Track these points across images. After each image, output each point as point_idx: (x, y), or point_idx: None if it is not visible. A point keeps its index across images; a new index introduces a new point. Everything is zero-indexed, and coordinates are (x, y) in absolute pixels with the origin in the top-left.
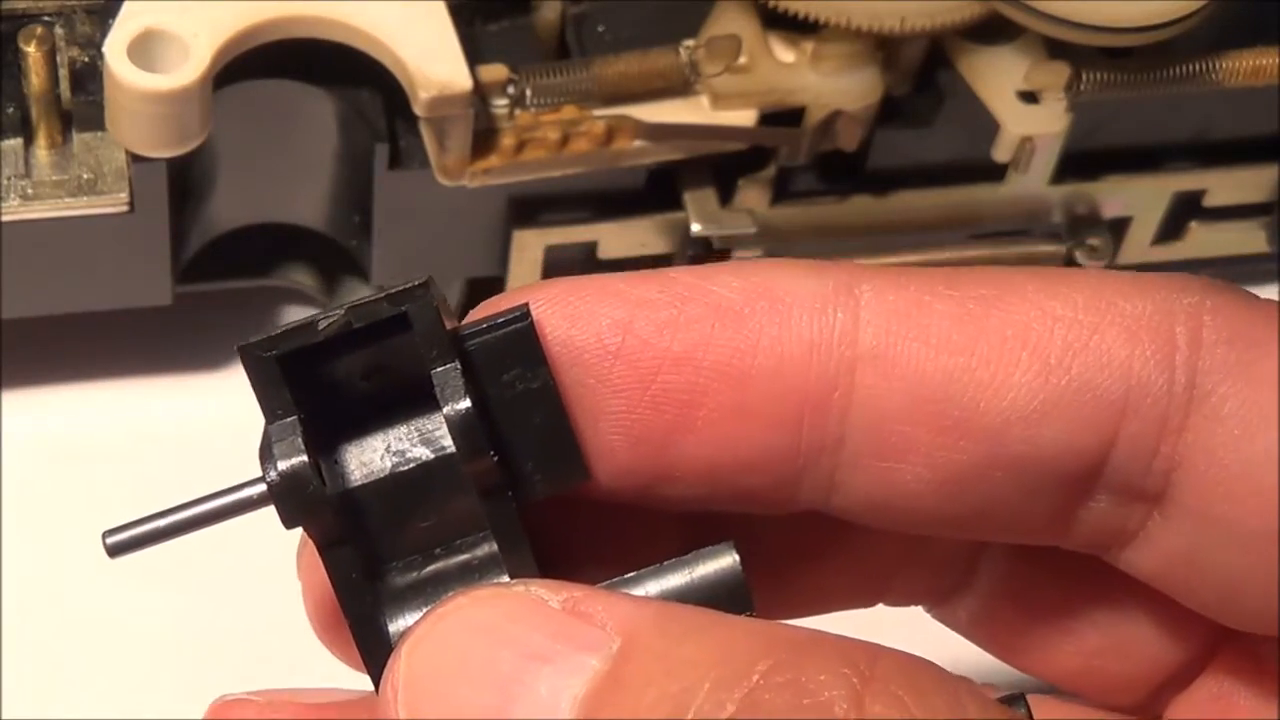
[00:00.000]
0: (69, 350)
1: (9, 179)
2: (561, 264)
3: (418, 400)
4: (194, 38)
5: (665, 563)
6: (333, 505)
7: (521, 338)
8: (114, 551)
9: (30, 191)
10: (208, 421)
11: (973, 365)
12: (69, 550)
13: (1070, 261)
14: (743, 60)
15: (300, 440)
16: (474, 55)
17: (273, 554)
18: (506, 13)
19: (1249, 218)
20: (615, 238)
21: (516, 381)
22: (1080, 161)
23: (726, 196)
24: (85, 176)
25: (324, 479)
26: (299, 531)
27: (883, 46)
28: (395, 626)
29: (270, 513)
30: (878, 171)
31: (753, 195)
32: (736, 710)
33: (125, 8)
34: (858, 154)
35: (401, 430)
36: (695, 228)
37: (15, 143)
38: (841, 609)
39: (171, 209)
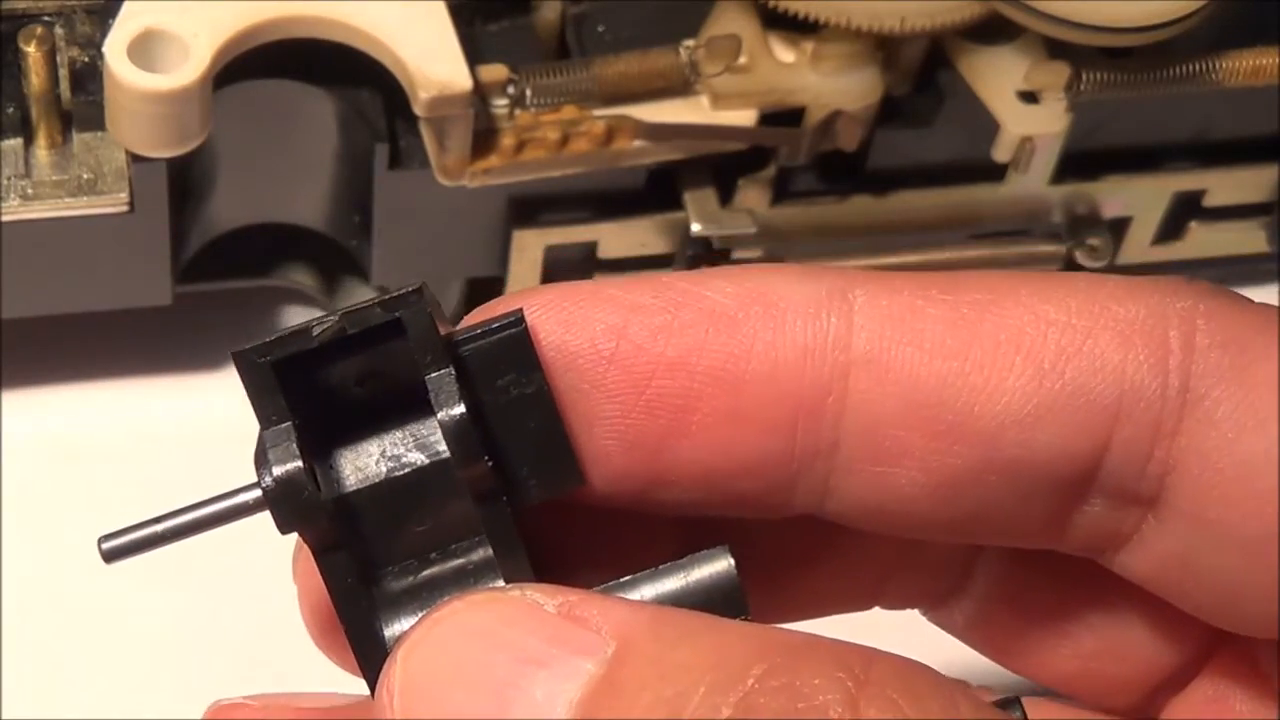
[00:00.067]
0: (69, 350)
1: (9, 179)
2: (561, 264)
3: (413, 405)
4: (194, 38)
5: (660, 567)
6: (328, 510)
7: (516, 343)
8: (109, 557)
9: (30, 191)
10: (208, 421)
11: (966, 370)
12: (69, 550)
13: (1070, 261)
14: (743, 60)
15: (295, 446)
16: (474, 55)
17: (272, 556)
18: (506, 13)
19: (1249, 218)
20: (615, 238)
21: (511, 387)
22: (1080, 161)
23: (726, 196)
24: (85, 176)
25: (319, 484)
26: (295, 536)
27: (883, 46)
28: (391, 631)
29: (268, 516)
30: (878, 171)
31: (753, 195)
32: (731, 714)
33: (125, 8)
34: (858, 154)
35: (396, 435)
36: (695, 228)
37: (15, 143)
38: (837, 613)
39: (171, 209)
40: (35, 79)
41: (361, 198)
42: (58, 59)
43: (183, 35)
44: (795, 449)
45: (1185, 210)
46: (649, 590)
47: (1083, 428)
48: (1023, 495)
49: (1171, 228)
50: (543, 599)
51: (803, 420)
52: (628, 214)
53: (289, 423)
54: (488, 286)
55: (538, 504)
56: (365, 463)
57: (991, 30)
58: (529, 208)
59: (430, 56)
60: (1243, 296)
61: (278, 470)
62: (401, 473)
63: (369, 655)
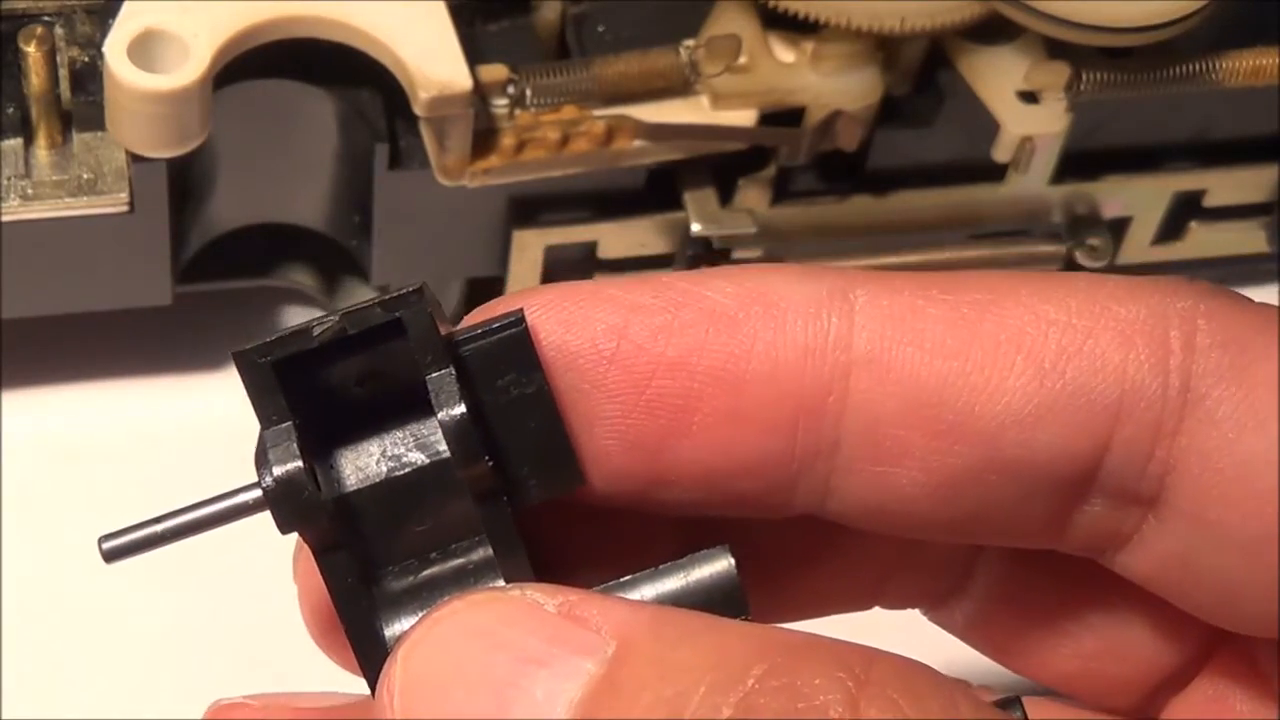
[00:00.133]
0: (69, 350)
1: (9, 179)
2: (561, 264)
3: (413, 405)
4: (194, 38)
5: (660, 567)
6: (328, 510)
7: (516, 343)
8: (109, 557)
9: (30, 191)
10: (208, 421)
11: (967, 370)
12: (69, 550)
13: (1070, 261)
14: (743, 60)
15: (295, 446)
16: (474, 55)
17: (273, 556)
18: (506, 13)
19: (1249, 218)
20: (615, 238)
21: (511, 387)
22: (1080, 161)
23: (726, 196)
24: (85, 176)
25: (319, 484)
26: (296, 535)
27: (883, 46)
28: (391, 631)
29: (268, 516)
30: (878, 171)
31: (753, 195)
32: (732, 714)
33: (125, 8)
34: (858, 154)
35: (397, 435)
36: (695, 228)
37: (15, 143)
38: (837, 612)
39: (171, 209)
40: (35, 79)
41: (361, 198)
42: (58, 59)
43: (183, 35)
44: (796, 449)
45: (1185, 210)
46: (649, 590)
47: (1083, 427)
48: (1023, 495)
49: (1171, 228)
50: (543, 599)
51: (803, 420)
52: (628, 214)
53: (289, 423)
54: (488, 286)
55: (538, 504)
56: (365, 462)
57: (991, 30)
58: (529, 208)
59: (430, 56)
60: (1243, 296)
61: (278, 470)
62: (402, 472)
63: (369, 655)
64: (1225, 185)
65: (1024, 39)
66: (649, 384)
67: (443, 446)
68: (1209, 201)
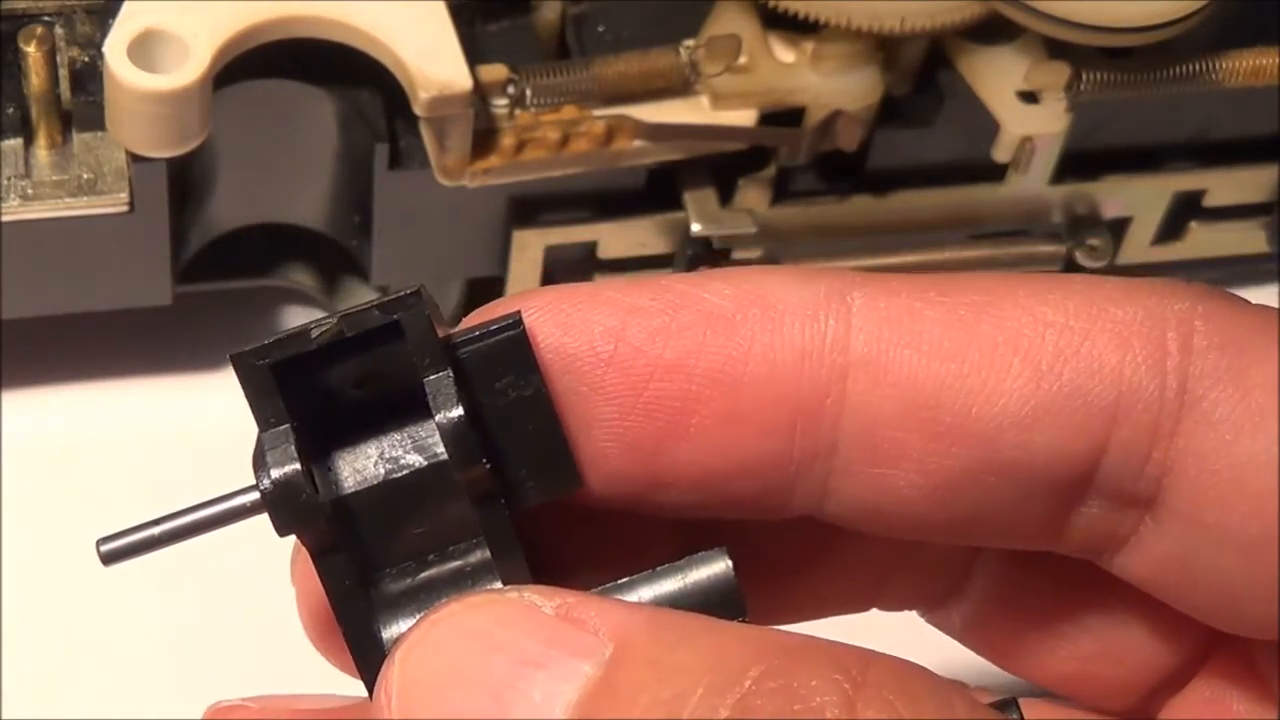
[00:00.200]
0: (69, 350)
1: (9, 179)
2: (561, 264)
3: (411, 408)
4: (194, 38)
5: (658, 568)
6: (325, 513)
7: (514, 345)
8: (108, 559)
9: (30, 191)
10: (208, 421)
11: (964, 371)
12: (69, 550)
13: (1070, 262)
14: (743, 60)
15: (293, 448)
16: (474, 55)
17: (272, 557)
18: (506, 13)
19: (1249, 218)
20: (615, 238)
21: (509, 389)
22: (1080, 161)
23: (726, 196)
24: (85, 176)
25: (317, 487)
26: (294, 537)
27: (883, 46)
28: (389, 633)
29: (267, 518)
30: (878, 171)
31: (753, 195)
32: (729, 716)
33: (125, 8)
34: (858, 154)
35: (395, 437)
36: (695, 228)
37: (15, 143)
38: (835, 614)
39: (171, 209)
40: (35, 79)
41: (361, 198)
42: (58, 59)
43: (183, 35)
44: (793, 451)
45: (1185, 210)
46: (647, 592)
47: (1080, 429)
48: (1020, 497)
49: (1171, 228)
50: (540, 601)
51: (801, 422)
52: (628, 214)
53: (287, 425)
54: (488, 286)
55: (535, 506)
56: (363, 465)
57: (991, 30)
58: (529, 208)
59: (430, 56)
60: (1240, 298)
61: (276, 473)
62: (399, 475)
63: (367, 657)
64: (1225, 185)
65: (1024, 39)
66: (646, 386)
67: (440, 449)
68: (1209, 201)
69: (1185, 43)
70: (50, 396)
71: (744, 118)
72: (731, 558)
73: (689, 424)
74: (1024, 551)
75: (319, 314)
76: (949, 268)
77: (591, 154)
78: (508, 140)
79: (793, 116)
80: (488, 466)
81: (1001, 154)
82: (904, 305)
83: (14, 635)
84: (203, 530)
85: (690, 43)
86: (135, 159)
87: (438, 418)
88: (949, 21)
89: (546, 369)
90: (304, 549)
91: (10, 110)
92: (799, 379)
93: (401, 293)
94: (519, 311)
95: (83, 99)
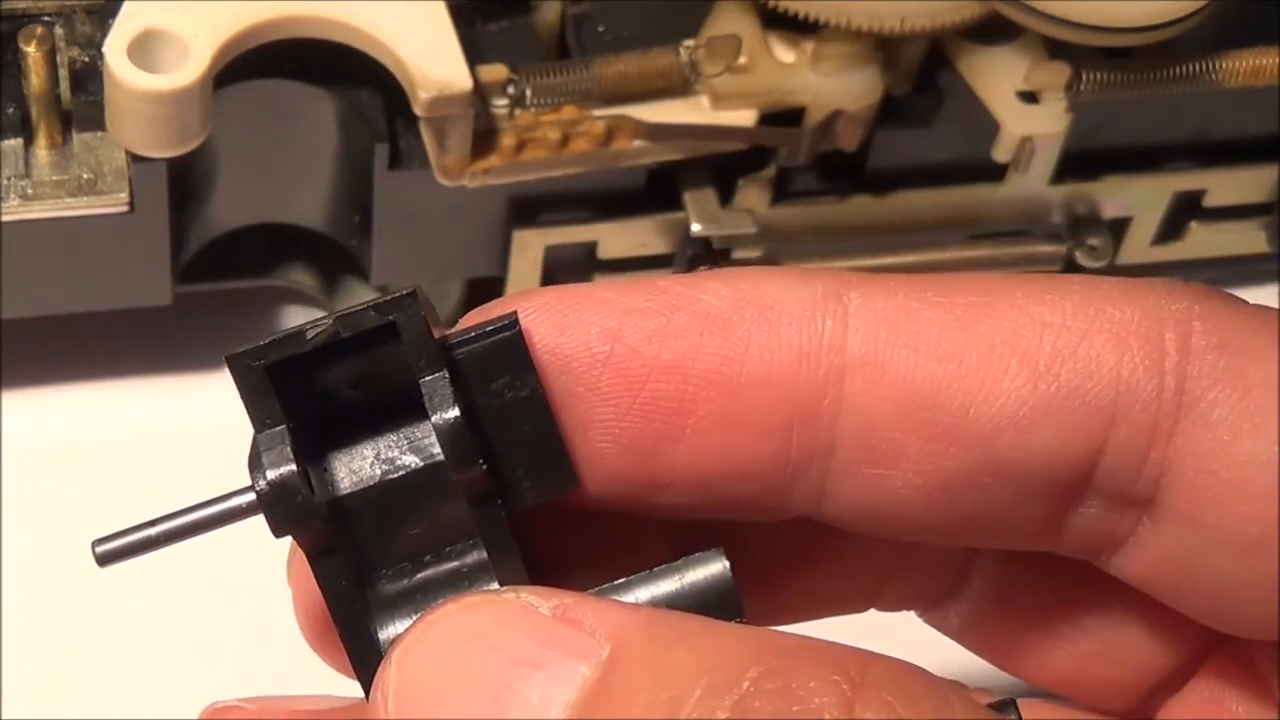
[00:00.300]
0: (69, 350)
1: (9, 179)
2: (561, 264)
3: (407, 408)
4: (194, 38)
5: (655, 569)
6: (322, 514)
7: (510, 346)
8: (103, 561)
9: (30, 191)
10: (208, 421)
11: (962, 372)
12: (69, 550)
13: (1070, 262)
14: (743, 60)
15: (289, 449)
16: (474, 55)
17: (269, 558)
18: (506, 13)
19: (1249, 218)
20: (615, 238)
21: (505, 390)
22: (1080, 161)
23: (726, 196)
24: (85, 176)
25: (313, 488)
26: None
27: (883, 46)
28: (385, 634)
29: (263, 519)
30: (878, 171)
31: (753, 195)
32: (727, 717)
33: (125, 8)
34: (858, 154)
35: (391, 438)
36: (695, 228)
37: (15, 143)
38: (833, 615)
39: (171, 209)
40: (35, 79)
41: (361, 198)
42: (58, 59)
43: (183, 35)
44: (790, 452)
45: (1185, 210)
46: (644, 593)
47: (1078, 430)
48: (1018, 497)
49: (1171, 228)
50: (537, 601)
51: (798, 423)
52: (628, 214)
53: (283, 426)
54: (488, 287)
55: (532, 507)
56: (359, 466)
57: (991, 30)
58: (529, 208)
59: (430, 56)
60: (1239, 298)
61: (271, 474)
62: (396, 476)
63: (363, 658)
64: (1225, 185)
65: (1024, 39)
66: (643, 387)
67: (437, 449)
68: (1209, 201)
69: (1185, 43)
70: (50, 396)
71: (744, 118)
72: (729, 558)
73: (685, 425)
74: (1022, 552)
75: (319, 314)
76: (949, 268)
77: (591, 154)
78: (508, 140)
79: (793, 116)
80: (484, 467)
81: (1001, 154)
82: (901, 306)
83: (14, 635)
84: (198, 531)
85: (690, 43)
86: (135, 159)
87: (434, 418)
88: (949, 21)
89: (543, 370)
90: (300, 550)
91: (10, 110)
92: (796, 380)
93: (397, 293)
94: (515, 312)
95: (83, 99)
